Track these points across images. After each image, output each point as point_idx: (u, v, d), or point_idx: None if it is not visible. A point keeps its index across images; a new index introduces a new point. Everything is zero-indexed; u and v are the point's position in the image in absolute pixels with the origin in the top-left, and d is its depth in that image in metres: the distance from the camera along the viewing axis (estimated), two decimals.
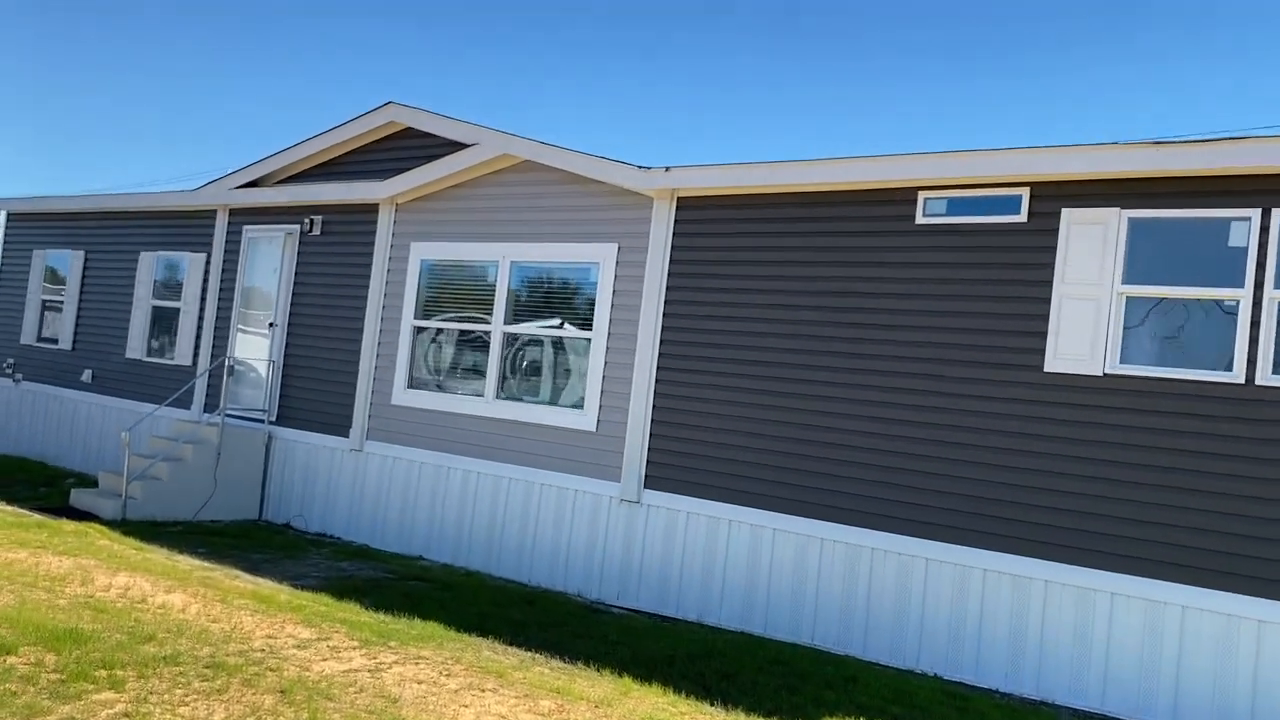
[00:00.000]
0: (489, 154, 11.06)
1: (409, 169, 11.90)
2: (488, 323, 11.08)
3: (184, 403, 13.84)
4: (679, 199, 9.76)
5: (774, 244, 9.20)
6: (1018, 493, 7.80)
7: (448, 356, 11.58)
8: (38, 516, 11.31)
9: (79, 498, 12.20)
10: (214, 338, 13.97)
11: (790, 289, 9.06)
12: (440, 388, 11.49)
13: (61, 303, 16.53)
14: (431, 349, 11.72)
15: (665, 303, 9.75)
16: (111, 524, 11.33)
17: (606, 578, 9.85)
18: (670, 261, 9.76)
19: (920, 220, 8.38)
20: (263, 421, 13.07)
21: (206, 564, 9.72)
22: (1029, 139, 8.40)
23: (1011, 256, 7.93)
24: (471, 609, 8.80)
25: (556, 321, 10.61)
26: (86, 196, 16.26)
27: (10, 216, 17.97)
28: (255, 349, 13.58)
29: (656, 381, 9.70)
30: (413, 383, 11.73)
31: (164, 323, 14.85)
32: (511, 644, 7.75)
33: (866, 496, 8.48)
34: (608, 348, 10.10)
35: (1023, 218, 7.91)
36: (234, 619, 7.56)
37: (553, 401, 10.50)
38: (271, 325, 13.29)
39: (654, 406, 9.69)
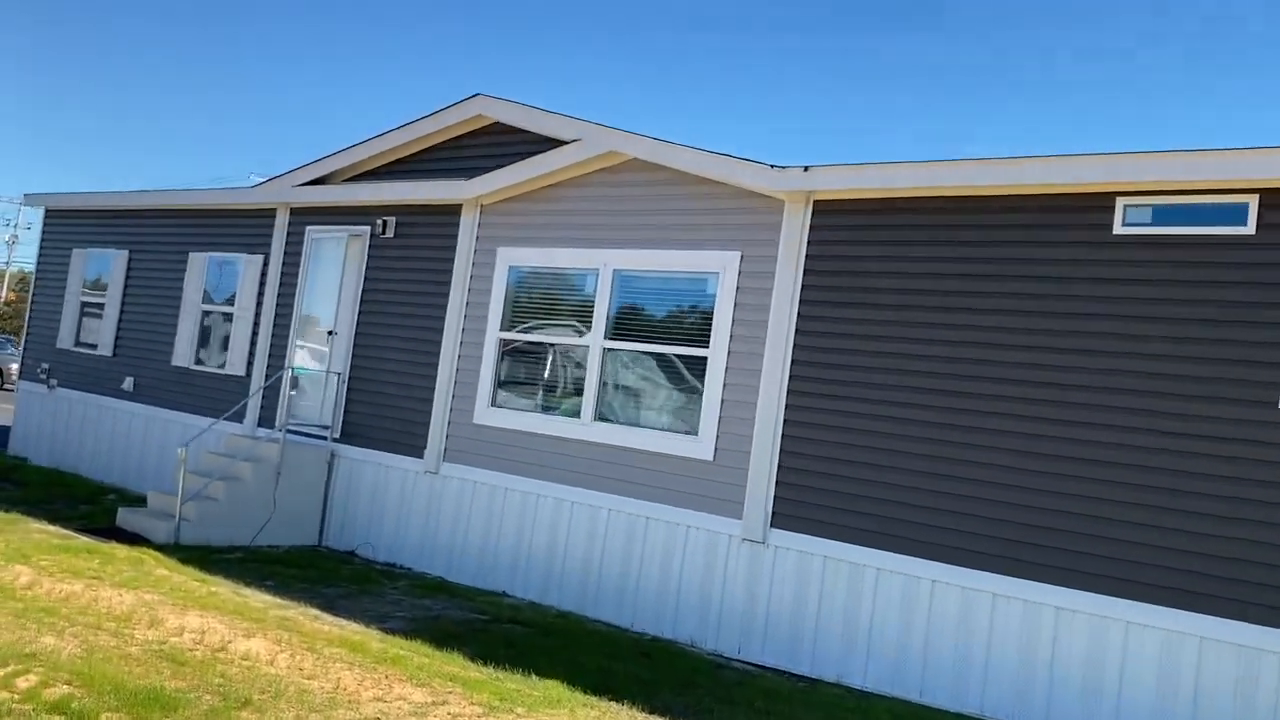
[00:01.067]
0: (593, 151, 10.05)
1: (492, 168, 10.90)
2: (585, 336, 10.05)
3: (234, 415, 12.82)
4: (816, 202, 8.73)
5: (932, 255, 8.15)
6: (1252, 550, 6.71)
7: (538, 373, 10.55)
8: (84, 539, 10.30)
9: (127, 518, 11.17)
10: (270, 346, 12.96)
11: (952, 305, 8.00)
12: (529, 407, 10.46)
13: (102, 305, 15.56)
14: (519, 364, 10.69)
15: (798, 318, 8.70)
16: (164, 549, 10.31)
17: (725, 626, 8.78)
18: (804, 273, 8.72)
19: (1119, 230, 7.32)
20: (325, 439, 12.05)
21: (279, 600, 8.68)
22: (1248, 140, 7.24)
23: (1236, 274, 6.87)
24: (586, 662, 7.74)
25: (666, 336, 9.58)
26: (132, 193, 15.30)
27: (49, 214, 17.03)
28: (316, 359, 12.58)
29: (787, 407, 8.65)
30: (498, 400, 10.70)
31: (215, 329, 13.85)
32: (650, 711, 6.69)
33: (1046, 547, 7.40)
34: (728, 367, 9.05)
35: (1249, 229, 6.85)
36: (331, 674, 6.52)
37: (661, 426, 9.45)
38: (331, 334, 12.29)
39: (783, 435, 8.63)
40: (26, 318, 17.28)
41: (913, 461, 8.01)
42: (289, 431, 12.18)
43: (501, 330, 10.74)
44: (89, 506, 12.47)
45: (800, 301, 8.70)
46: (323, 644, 7.32)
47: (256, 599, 8.63)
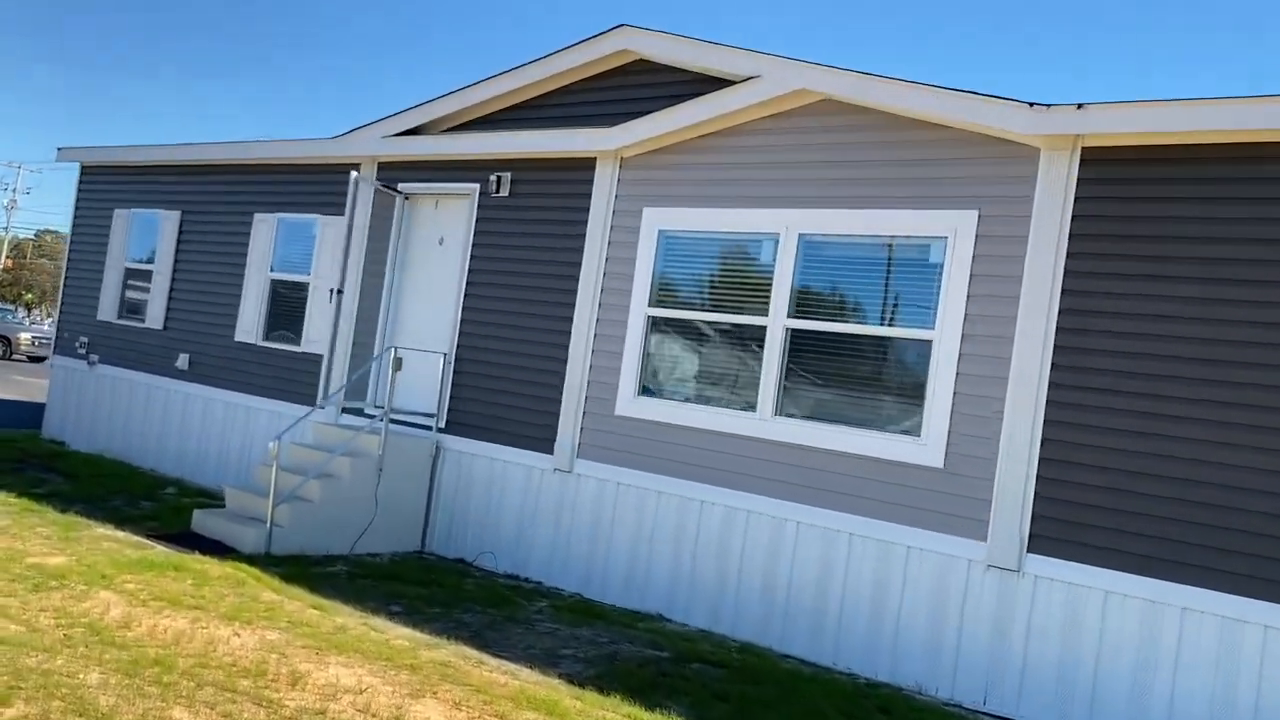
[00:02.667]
0: (777, 90, 8.38)
1: (629, 114, 9.24)
2: (762, 314, 8.42)
3: (303, 398, 11.19)
4: (1085, 150, 7.08)
5: (1254, 215, 6.52)
6: None
7: (698, 357, 8.92)
8: (162, 549, 8.69)
9: (204, 521, 9.56)
10: (356, 321, 11.32)
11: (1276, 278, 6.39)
12: (688, 397, 8.83)
13: (149, 273, 13.89)
14: (673, 346, 9.06)
15: (1063, 293, 7.07)
16: (255, 561, 8.71)
17: (965, 671, 7.21)
18: (1070, 236, 7.09)
19: None
20: (429, 429, 10.43)
21: (420, 635, 7.08)
22: None
23: None
24: None
25: (870, 315, 7.94)
26: (185, 146, 13.59)
27: (86, 170, 15.30)
28: (413, 336, 10.94)
29: (1050, 403, 7.03)
30: (647, 389, 9.07)
31: (287, 300, 12.20)
32: None
33: None
34: (962, 353, 7.43)
35: None
36: None
37: (867, 424, 7.83)
38: (433, 308, 10.66)
39: (1044, 438, 7.02)
40: (61, 286, 15.60)
41: (1234, 476, 6.41)
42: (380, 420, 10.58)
43: (650, 306, 9.09)
44: (152, 504, 10.85)
45: (1066, 273, 7.07)
46: (508, 705, 5.73)
47: (394, 633, 7.03)
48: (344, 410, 11.23)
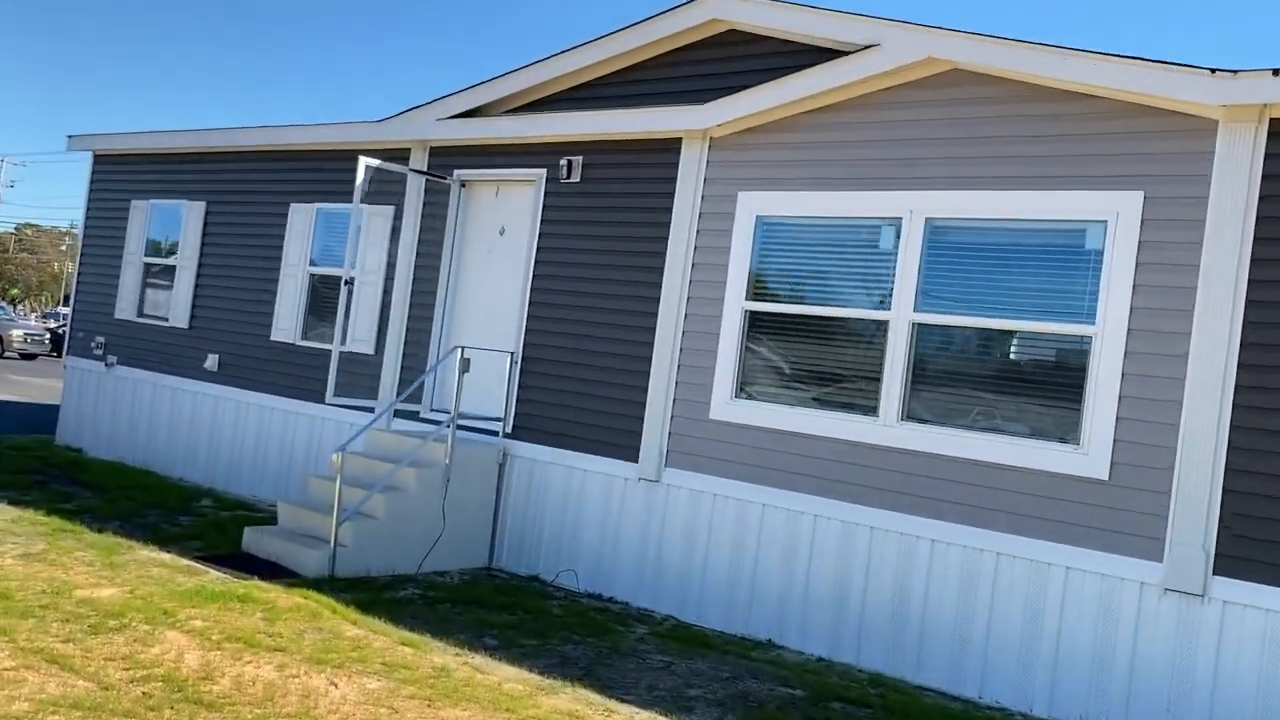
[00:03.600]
0: (899, 60, 7.56)
1: (716, 91, 8.42)
2: (882, 307, 7.62)
3: (346, 400, 10.36)
4: (1274, 121, 6.29)
5: None
6: None
7: (806, 355, 8.11)
8: (216, 574, 7.87)
9: (257, 541, 8.72)
10: (408, 318, 10.47)
11: None
12: (795, 400, 8.03)
13: (173, 268, 12.99)
14: (776, 344, 8.24)
15: (1249, 284, 6.29)
16: (321, 585, 7.89)
17: (1140, 706, 6.43)
18: (1257, 220, 6.30)
19: None
20: (495, 434, 9.60)
21: (530, 676, 6.26)
22: None
23: None
24: None
25: (1013, 309, 7.14)
26: (211, 131, 12.70)
27: (99, 159, 14.36)
28: (473, 334, 10.10)
29: (1236, 406, 6.25)
30: (745, 390, 8.27)
31: (330, 296, 11.34)
32: None
33: None
34: (1128, 351, 6.64)
35: None
36: None
37: (1015, 430, 7.04)
38: (498, 304, 9.82)
39: (1231, 445, 6.25)
40: (74, 283, 14.69)
41: None
42: (446, 425, 9.78)
43: (748, 300, 8.28)
44: (190, 519, 10.00)
45: (1253, 261, 6.29)
46: None
47: (500, 674, 6.21)
48: (396, 414, 10.40)
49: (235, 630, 6.38)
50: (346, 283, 9.66)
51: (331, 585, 7.99)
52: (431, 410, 10.21)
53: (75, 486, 11.01)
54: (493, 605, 7.93)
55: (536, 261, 9.58)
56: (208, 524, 9.79)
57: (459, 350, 9.12)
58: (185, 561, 8.20)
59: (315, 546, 8.37)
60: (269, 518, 10.13)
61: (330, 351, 10.98)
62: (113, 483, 11.25)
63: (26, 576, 7.11)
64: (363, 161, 9.62)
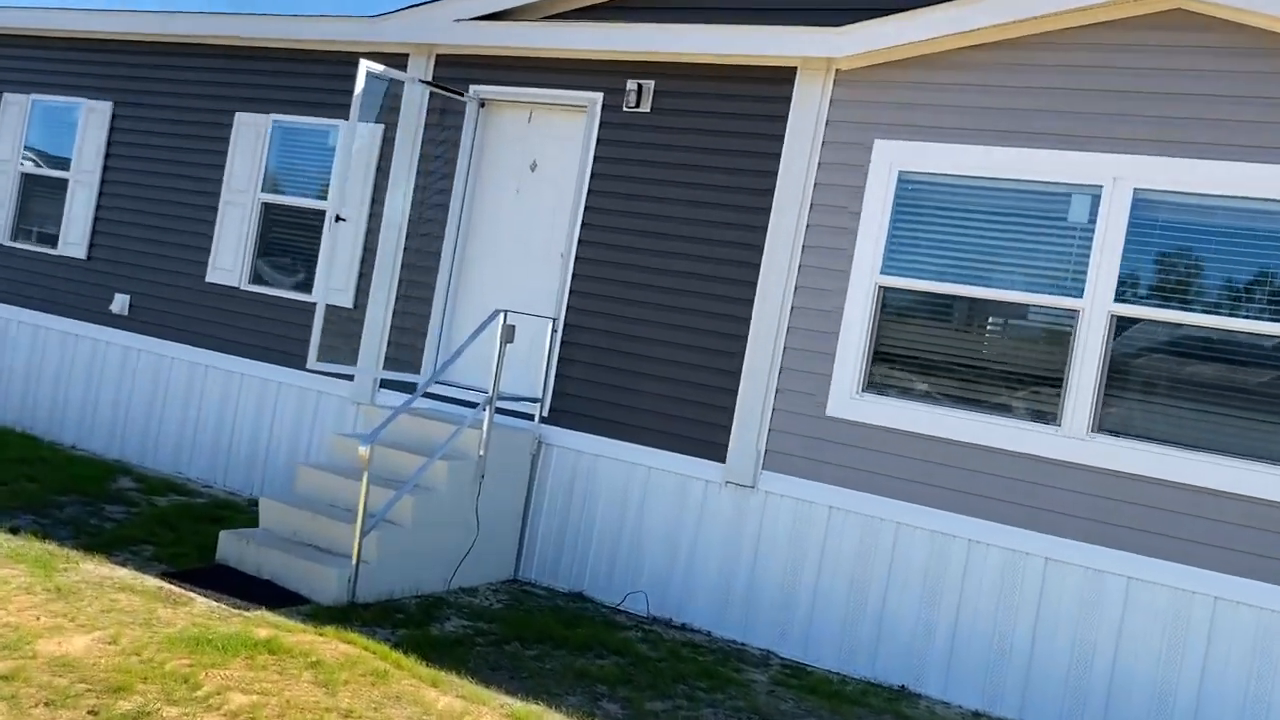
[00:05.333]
0: None
1: (844, 14, 6.87)
2: (1071, 293, 6.28)
3: (304, 364, 8.38)
4: None
5: None
6: None
7: (961, 346, 6.70)
8: (204, 601, 5.91)
9: (240, 551, 6.68)
10: (400, 266, 8.50)
11: None
12: (941, 399, 6.62)
13: (63, 182, 10.45)
14: (919, 329, 6.80)
15: None
16: (349, 616, 6.03)
17: None
18: None
19: None
20: (527, 418, 7.83)
21: None
22: None
23: None
24: None
25: (1256, 302, 5.92)
26: (126, 13, 10.14)
27: None
28: (492, 292, 8.25)
29: None
30: (875, 383, 6.81)
31: (290, 233, 9.20)
32: None
33: None
34: None
35: None
36: None
37: (1249, 452, 5.82)
38: (563, 255, 8.01)
39: None
40: None
41: None
42: (450, 401, 7.97)
43: (883, 274, 6.79)
44: (121, 510, 7.82)
45: None
46: None
47: None
48: (384, 384, 8.46)
49: (291, 704, 4.54)
50: (337, 219, 7.64)
51: (359, 616, 6.14)
52: (435, 382, 8.32)
53: None
54: (569, 643, 6.25)
55: (588, 207, 7.80)
56: (147, 517, 7.66)
57: (500, 315, 7.26)
58: (153, 581, 6.16)
59: (326, 561, 6.46)
60: (231, 512, 8.09)
61: (288, 301, 8.96)
62: None
63: None
64: (364, 66, 7.58)
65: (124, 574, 6.20)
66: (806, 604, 6.86)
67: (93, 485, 8.36)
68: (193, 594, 6.04)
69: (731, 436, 7.14)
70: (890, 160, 6.81)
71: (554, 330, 7.78)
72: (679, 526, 7.30)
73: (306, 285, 8.97)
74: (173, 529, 7.42)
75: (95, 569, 6.20)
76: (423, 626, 6.18)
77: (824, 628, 6.80)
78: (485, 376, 7.85)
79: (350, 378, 8.50)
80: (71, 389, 10.10)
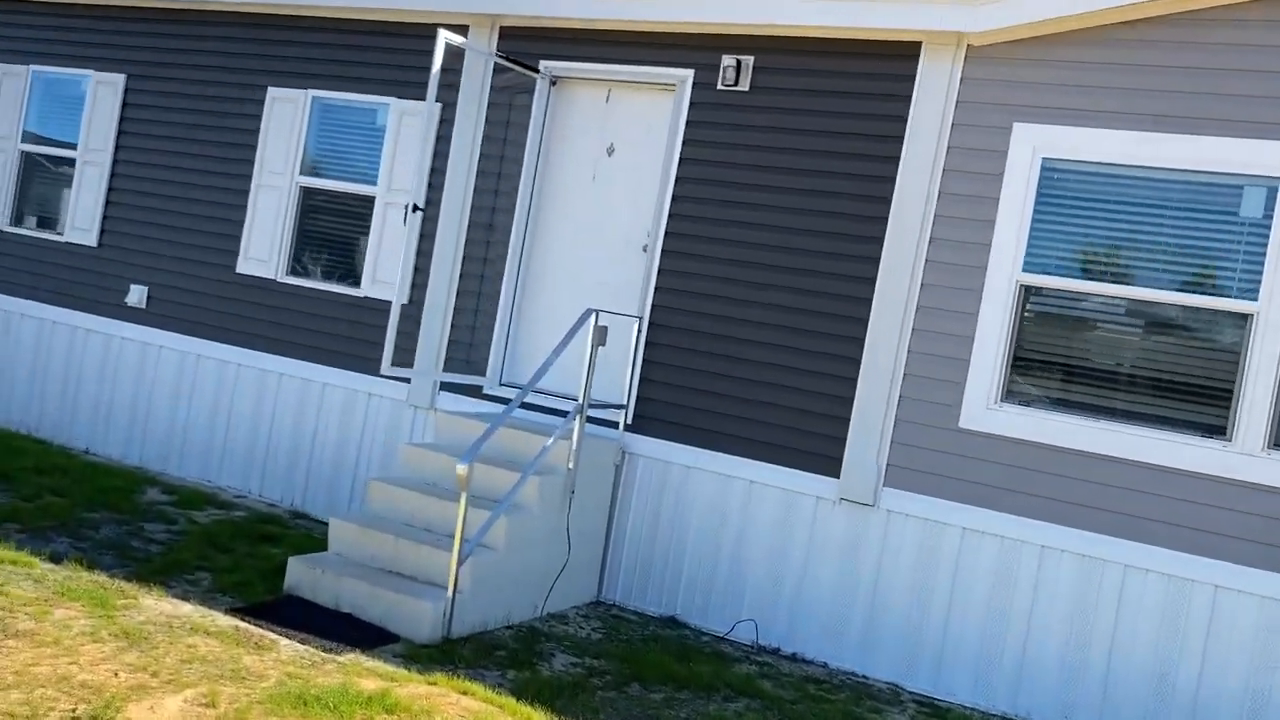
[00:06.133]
0: None
1: None
2: (1245, 295, 5.72)
3: (363, 363, 7.66)
4: None
5: None
6: None
7: (1113, 351, 6.11)
8: (288, 644, 5.20)
9: (314, 580, 5.95)
10: (462, 258, 7.76)
11: None
12: (1090, 410, 6.02)
13: (70, 161, 9.57)
14: (1069, 333, 6.19)
15: None
16: (451, 656, 5.36)
17: None
18: None
19: None
20: (611, 425, 7.14)
21: None
22: None
23: None
24: None
25: None
26: None
27: None
28: (567, 286, 7.55)
29: None
30: (1015, 392, 6.20)
31: (334, 220, 8.42)
32: None
33: None
34: None
35: None
36: None
37: None
38: (647, 248, 7.32)
39: None
40: None
41: None
42: (533, 407, 7.28)
43: (1025, 271, 6.18)
44: (163, 528, 7.03)
45: None
46: None
47: None
48: (442, 386, 7.75)
49: None
50: (414, 209, 6.87)
51: (457, 654, 5.46)
52: (501, 384, 7.63)
53: None
54: (692, 684, 5.60)
55: (675, 196, 7.12)
56: (192, 537, 6.89)
57: (593, 316, 6.56)
58: (224, 620, 5.42)
59: (416, 593, 5.75)
60: (277, 528, 7.37)
61: (332, 295, 8.23)
62: (11, 463, 7.98)
63: (19, 672, 4.26)
64: (443, 38, 6.81)
65: (190, 611, 5.46)
66: (936, 633, 6.27)
67: (121, 498, 7.56)
68: (273, 634, 5.32)
69: (847, 449, 6.51)
70: (1033, 145, 6.19)
71: (638, 329, 7.10)
72: (785, 547, 6.67)
73: (351, 277, 8.21)
74: (223, 550, 6.67)
75: (157, 605, 5.46)
76: (529, 666, 5.51)
77: (958, 660, 6.21)
78: (561, 379, 7.19)
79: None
80: (83, 388, 9.25)
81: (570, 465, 6.54)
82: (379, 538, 6.16)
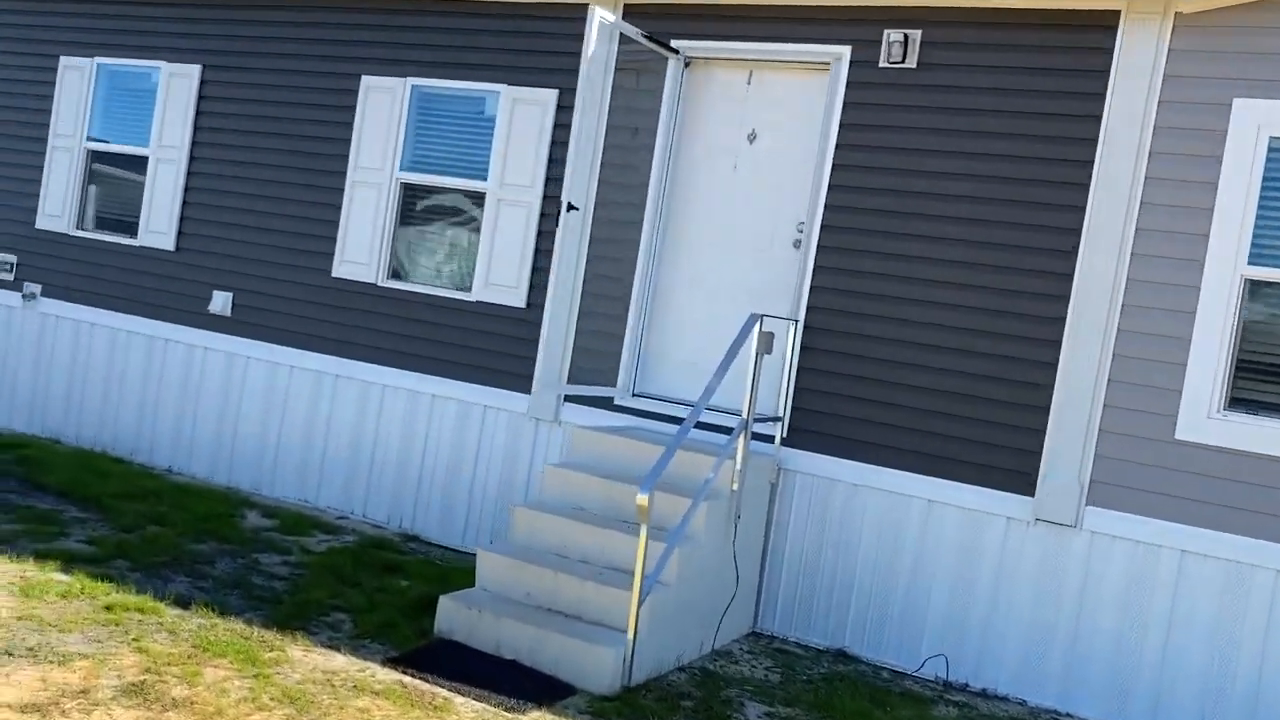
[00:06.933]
0: None
1: None
2: None
3: (479, 373, 7.07)
4: None
5: None
6: None
7: None
8: (463, 703, 4.57)
9: (467, 622, 5.33)
10: (586, 258, 7.13)
11: None
12: None
13: (142, 160, 8.95)
14: None
15: None
16: (637, 710, 4.75)
17: None
18: None
19: None
20: (768, 440, 6.51)
21: None
22: None
23: None
24: None
25: None
26: None
27: None
28: (704, 287, 6.92)
29: None
30: (1243, 400, 5.56)
31: (440, 219, 7.79)
32: None
33: None
34: None
35: None
36: None
37: None
38: (801, 243, 6.69)
39: None
40: None
41: None
42: (655, 417, 6.65)
43: (1250, 264, 5.54)
44: (279, 560, 6.40)
45: None
46: None
47: None
48: (567, 399, 7.13)
49: None
50: (569, 208, 6.25)
51: (642, 707, 4.85)
52: (633, 395, 7.01)
53: (42, 495, 7.13)
54: None
55: (832, 186, 6.47)
56: (313, 569, 6.28)
57: (757, 321, 5.92)
58: (384, 674, 4.81)
59: (590, 636, 5.13)
60: (392, 553, 6.77)
61: (441, 300, 7.61)
62: (98, 487, 7.38)
63: None
64: (597, 13, 6.18)
65: (344, 664, 4.85)
66: (1152, 669, 5.64)
67: (224, 525, 6.95)
68: (443, 690, 4.71)
69: (1043, 463, 5.88)
70: (1257, 124, 5.53)
71: (793, 334, 6.47)
72: (972, 573, 6.04)
73: (461, 281, 7.58)
74: (349, 584, 6.06)
75: (306, 658, 4.85)
76: (723, 718, 4.90)
77: (1178, 698, 5.58)
78: (700, 388, 6.55)
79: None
80: (162, 403, 8.64)
81: (734, 487, 5.92)
82: (534, 572, 5.54)
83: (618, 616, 5.23)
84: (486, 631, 5.32)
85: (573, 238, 6.90)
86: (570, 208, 6.21)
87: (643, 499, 4.97)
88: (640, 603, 5.07)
